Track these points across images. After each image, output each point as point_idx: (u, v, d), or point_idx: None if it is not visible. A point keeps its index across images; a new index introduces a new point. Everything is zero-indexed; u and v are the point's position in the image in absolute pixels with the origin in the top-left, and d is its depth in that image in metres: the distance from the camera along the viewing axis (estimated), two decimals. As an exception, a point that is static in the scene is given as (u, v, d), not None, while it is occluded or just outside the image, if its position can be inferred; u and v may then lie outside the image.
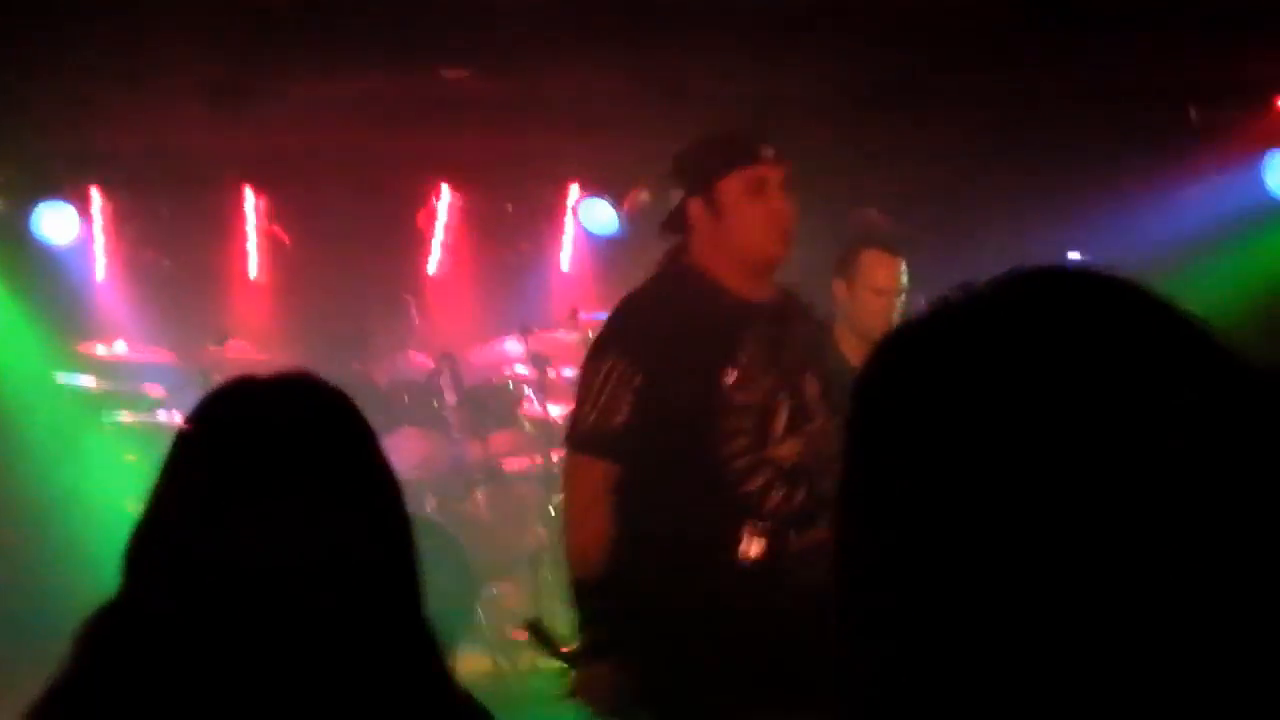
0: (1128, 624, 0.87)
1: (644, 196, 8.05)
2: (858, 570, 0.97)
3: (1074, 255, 6.71)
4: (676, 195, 3.49)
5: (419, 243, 8.04)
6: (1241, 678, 0.86)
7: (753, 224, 3.36)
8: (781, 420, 3.38)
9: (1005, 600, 0.89)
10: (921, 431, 0.94)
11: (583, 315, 7.63)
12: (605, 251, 8.07)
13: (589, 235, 8.15)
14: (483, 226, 8.06)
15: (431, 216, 8.04)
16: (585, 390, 3.42)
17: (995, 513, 0.90)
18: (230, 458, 1.72)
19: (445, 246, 8.06)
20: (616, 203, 8.00)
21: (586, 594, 3.34)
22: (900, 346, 1.00)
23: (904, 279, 4.68)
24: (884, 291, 4.62)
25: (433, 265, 8.09)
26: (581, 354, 7.40)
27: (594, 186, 8.04)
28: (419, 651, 1.75)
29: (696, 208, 3.41)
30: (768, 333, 3.43)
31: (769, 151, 3.39)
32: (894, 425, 0.96)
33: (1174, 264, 6.91)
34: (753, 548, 3.28)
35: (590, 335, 7.58)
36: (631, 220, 7.98)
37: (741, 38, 5.91)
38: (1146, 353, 0.93)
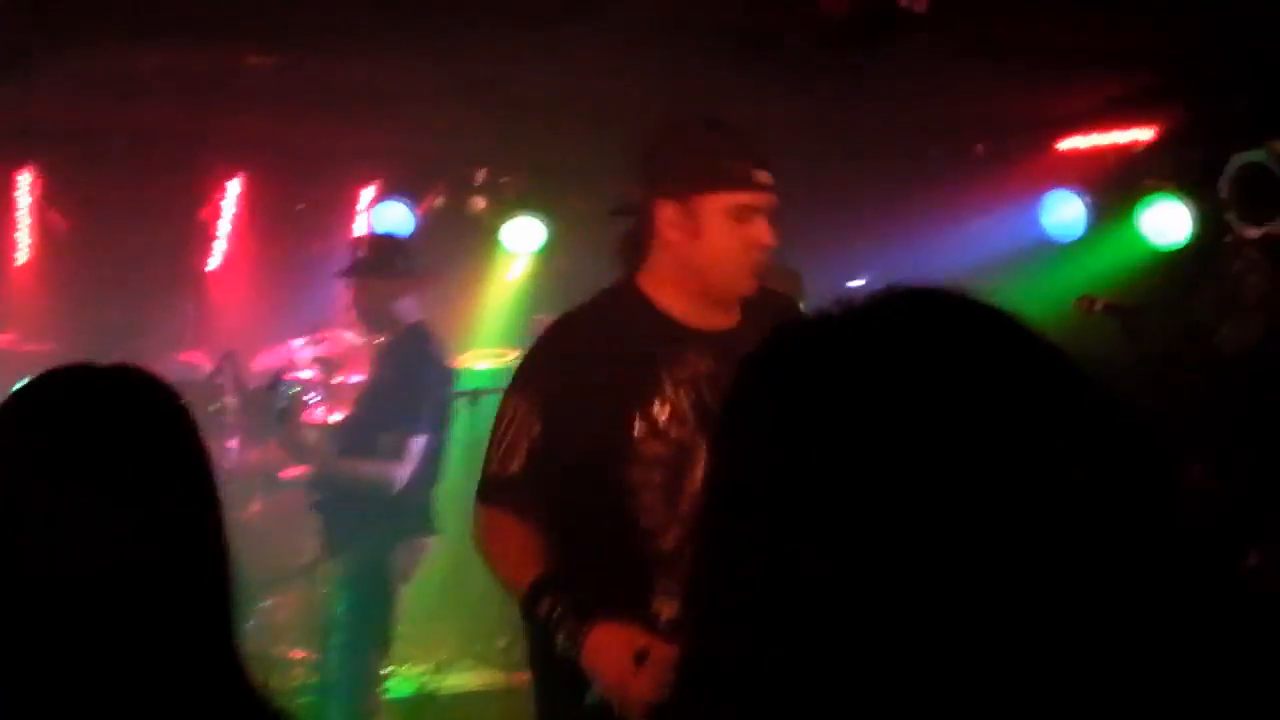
0: (972, 632, 0.92)
1: (439, 201, 7.95)
2: (723, 564, 1.02)
3: (858, 282, 6.87)
4: (632, 190, 3.14)
5: (205, 234, 7.78)
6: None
7: (728, 251, 3.02)
8: (699, 472, 2.87)
9: (854, 600, 0.94)
10: (791, 441, 0.98)
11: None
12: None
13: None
14: (273, 222, 7.84)
15: (219, 208, 7.79)
16: (493, 432, 3.13)
17: (851, 517, 0.94)
18: (30, 451, 1.58)
19: (232, 240, 7.81)
20: (413, 205, 7.87)
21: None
22: (775, 357, 1.05)
23: None
24: None
25: (216, 258, 7.84)
26: (367, 358, 7.33)
27: (392, 188, 7.90)
28: (221, 667, 1.61)
29: (669, 212, 3.04)
30: (703, 369, 3.04)
31: (764, 177, 3.04)
32: (766, 435, 1.01)
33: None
34: (664, 610, 2.95)
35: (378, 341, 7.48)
36: (426, 224, 7.86)
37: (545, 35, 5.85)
38: (1010, 375, 0.99)
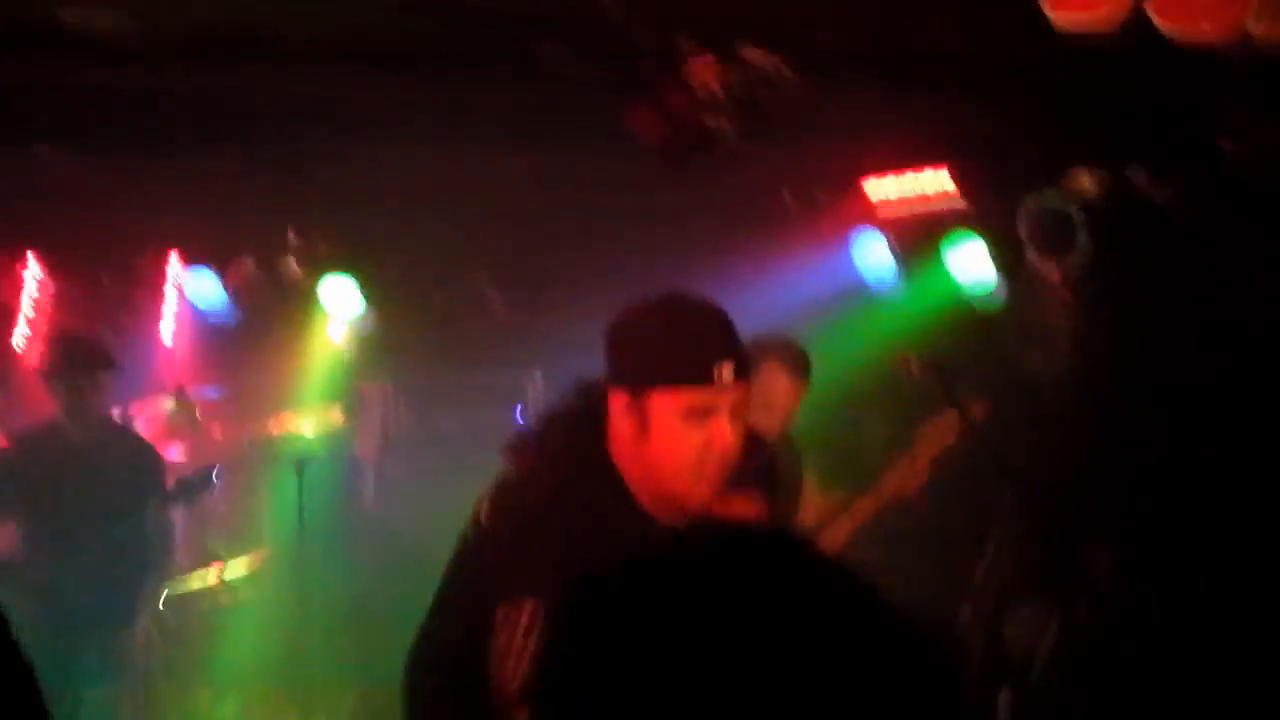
0: None
1: (249, 266, 7.86)
2: None
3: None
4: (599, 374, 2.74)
5: (6, 318, 7.56)
6: None
7: (680, 456, 2.65)
8: None
9: None
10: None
11: (191, 392, 7.39)
12: (212, 325, 7.84)
13: (194, 309, 7.87)
14: (77, 302, 7.65)
15: (18, 290, 7.57)
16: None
17: None
18: None
19: (34, 324, 7.59)
20: (220, 273, 7.77)
21: None
22: (592, 594, 1.19)
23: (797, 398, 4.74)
24: (773, 407, 4.64)
25: (19, 340, 7.60)
26: (190, 433, 7.24)
27: (196, 257, 7.78)
28: None
29: (619, 402, 2.67)
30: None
31: (727, 371, 2.62)
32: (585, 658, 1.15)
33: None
34: None
35: (198, 414, 7.37)
36: (237, 293, 7.77)
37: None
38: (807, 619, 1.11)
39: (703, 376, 2.60)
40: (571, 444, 2.74)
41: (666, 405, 2.61)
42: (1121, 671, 5.37)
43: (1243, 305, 5.45)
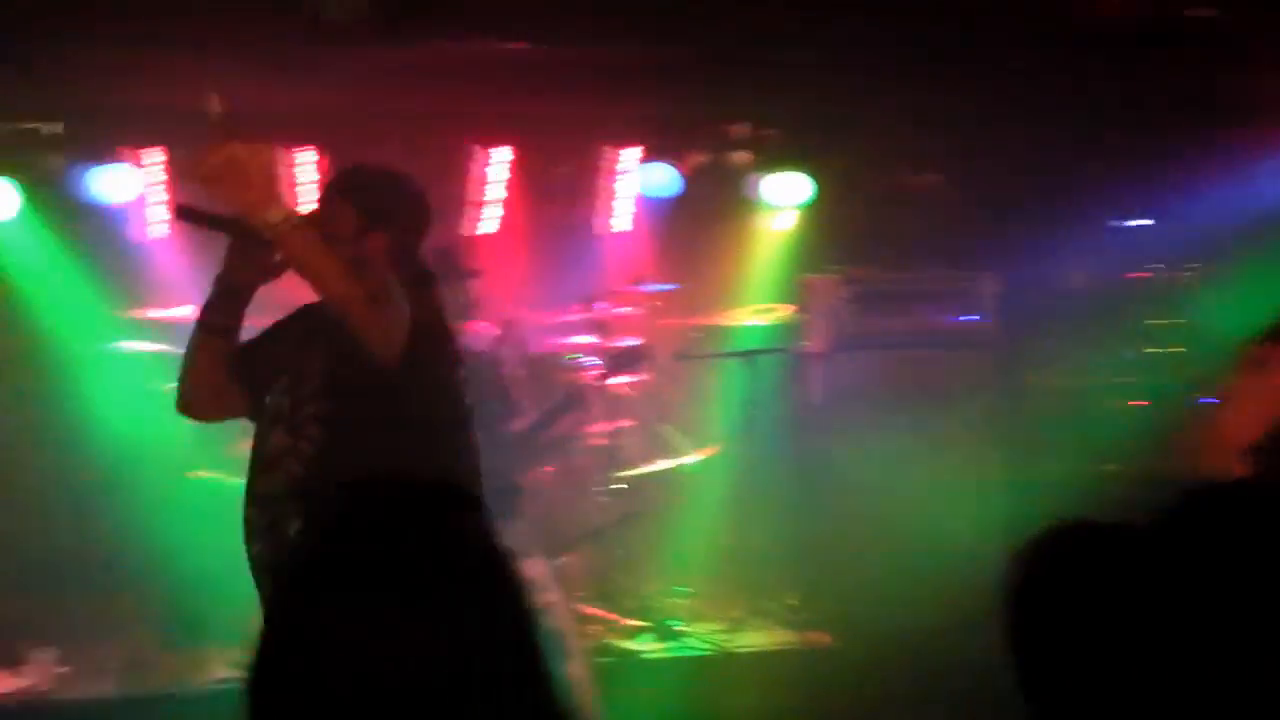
0: None
1: (701, 159, 7.97)
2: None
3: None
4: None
5: (470, 205, 7.94)
6: None
7: None
8: None
9: None
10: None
11: (644, 285, 7.58)
12: (663, 218, 8.02)
13: (645, 199, 8.05)
14: (538, 190, 7.97)
15: (482, 179, 7.94)
16: None
17: None
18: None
19: (500, 208, 7.95)
20: (673, 166, 7.93)
21: None
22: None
23: None
24: None
25: (490, 225, 7.97)
26: (644, 321, 7.44)
27: (650, 150, 7.95)
28: None
29: None
30: None
31: None
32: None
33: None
34: None
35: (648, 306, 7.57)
36: (688, 186, 7.92)
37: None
38: None
39: None
40: None
41: None
42: None
43: None
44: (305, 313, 3.75)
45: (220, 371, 3.68)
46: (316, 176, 7.57)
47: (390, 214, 3.68)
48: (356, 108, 7.26)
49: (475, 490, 1.63)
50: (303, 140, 7.53)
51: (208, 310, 3.66)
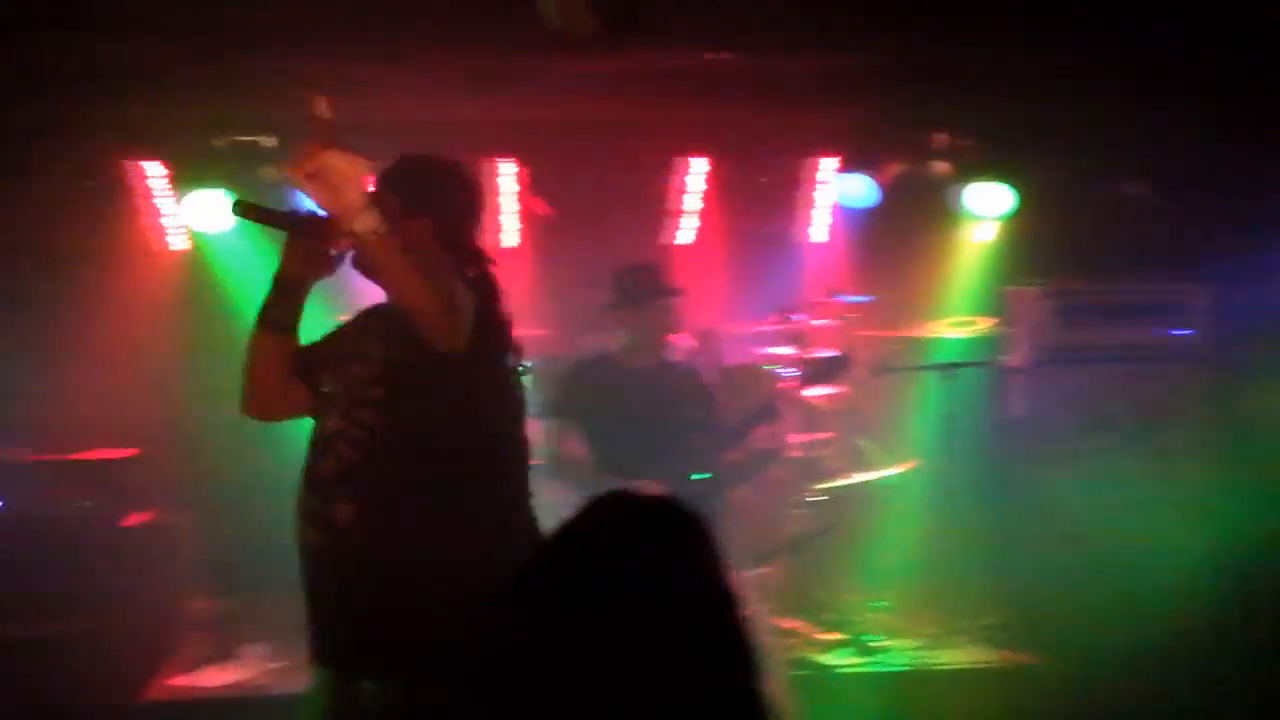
0: None
1: (899, 169, 7.90)
2: None
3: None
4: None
5: (668, 215, 7.97)
6: None
7: None
8: None
9: None
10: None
11: (839, 296, 7.53)
12: (862, 229, 7.96)
13: (843, 209, 8.01)
14: (735, 200, 7.98)
15: (681, 188, 7.97)
16: None
17: None
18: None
19: (698, 218, 7.98)
20: (871, 176, 7.87)
21: None
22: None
23: None
24: None
25: (687, 235, 8.01)
26: (838, 336, 7.39)
27: (848, 160, 7.90)
28: None
29: None
30: None
31: None
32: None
33: None
34: None
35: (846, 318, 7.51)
36: (886, 196, 7.85)
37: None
38: None
39: None
40: None
41: None
42: None
43: None
44: (370, 313, 3.82)
45: (283, 368, 3.73)
46: (517, 187, 7.70)
47: (432, 200, 3.73)
48: (559, 118, 7.34)
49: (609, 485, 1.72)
50: (503, 151, 7.65)
51: (267, 308, 3.72)
